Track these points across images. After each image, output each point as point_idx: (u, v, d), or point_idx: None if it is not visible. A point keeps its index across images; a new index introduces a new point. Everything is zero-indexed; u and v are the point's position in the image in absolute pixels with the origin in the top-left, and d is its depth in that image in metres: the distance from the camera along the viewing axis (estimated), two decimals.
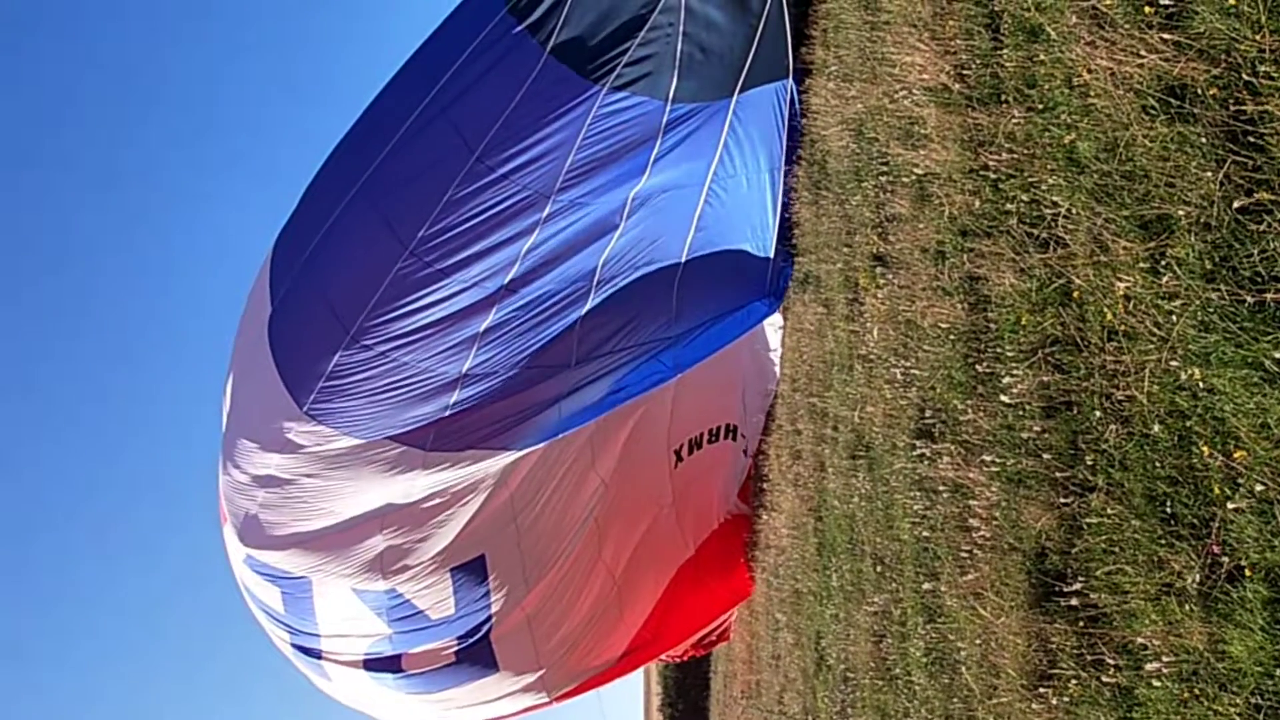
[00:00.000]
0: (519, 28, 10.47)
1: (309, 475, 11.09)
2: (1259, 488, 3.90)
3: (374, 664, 12.20)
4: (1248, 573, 3.96)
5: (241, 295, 12.60)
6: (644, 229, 11.27)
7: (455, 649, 12.19)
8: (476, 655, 12.32)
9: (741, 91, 10.73)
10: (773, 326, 12.13)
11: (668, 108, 10.57)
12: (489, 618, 12.15)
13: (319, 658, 12.41)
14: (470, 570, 11.86)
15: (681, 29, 10.31)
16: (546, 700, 13.43)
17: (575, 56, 10.38)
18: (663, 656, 16.49)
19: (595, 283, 11.26)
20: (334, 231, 11.19)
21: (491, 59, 10.57)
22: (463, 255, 10.66)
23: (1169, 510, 4.39)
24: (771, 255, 11.45)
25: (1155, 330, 4.46)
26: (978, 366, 6.24)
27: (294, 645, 12.54)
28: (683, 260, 11.58)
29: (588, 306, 11.31)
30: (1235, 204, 4.01)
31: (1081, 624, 4.95)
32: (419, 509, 11.29)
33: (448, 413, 11.02)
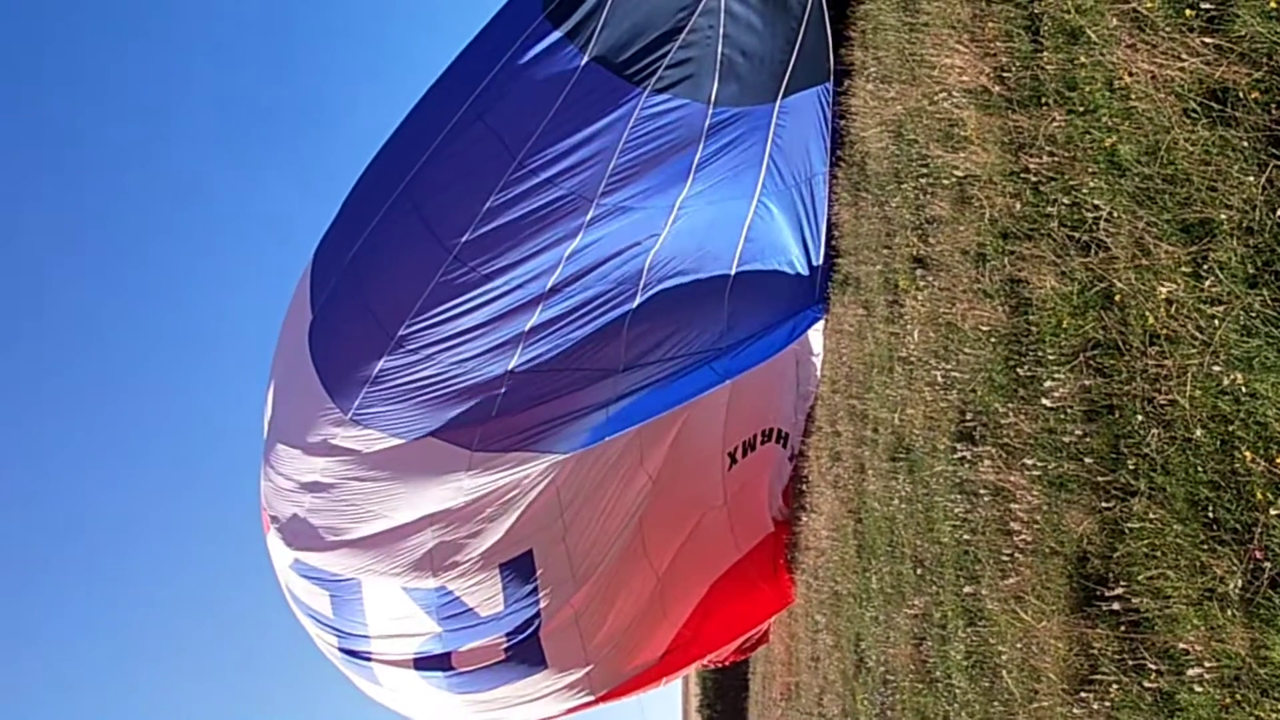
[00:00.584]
0: (556, 33, 10.51)
1: (355, 478, 11.19)
2: None
3: (424, 663, 12.29)
4: None
5: (284, 301, 12.74)
6: (690, 236, 11.27)
7: (505, 645, 12.27)
8: (526, 653, 12.40)
9: (784, 97, 10.70)
10: (814, 329, 12.13)
11: (710, 111, 10.56)
12: (537, 614, 12.23)
13: (368, 660, 12.51)
14: (518, 567, 11.95)
15: (722, 31, 10.29)
16: (591, 699, 13.49)
17: (615, 60, 10.38)
18: (706, 660, 16.48)
19: (641, 285, 11.28)
20: (374, 238, 11.29)
21: (530, 63, 10.59)
22: (507, 260, 10.72)
23: (1211, 515, 4.38)
24: (820, 262, 11.42)
25: (1197, 334, 4.45)
26: (1019, 370, 6.23)
27: (342, 649, 12.64)
28: (733, 272, 11.57)
29: (634, 306, 11.33)
30: (1279, 210, 3.99)
31: (1123, 628, 4.94)
32: (467, 506, 11.39)
33: (494, 412, 11.08)
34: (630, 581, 13.29)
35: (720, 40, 10.34)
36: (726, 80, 10.51)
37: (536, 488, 11.57)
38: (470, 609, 11.90)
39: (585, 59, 10.42)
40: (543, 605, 12.22)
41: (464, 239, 10.60)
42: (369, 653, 12.40)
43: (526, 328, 10.99)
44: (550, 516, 11.92)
